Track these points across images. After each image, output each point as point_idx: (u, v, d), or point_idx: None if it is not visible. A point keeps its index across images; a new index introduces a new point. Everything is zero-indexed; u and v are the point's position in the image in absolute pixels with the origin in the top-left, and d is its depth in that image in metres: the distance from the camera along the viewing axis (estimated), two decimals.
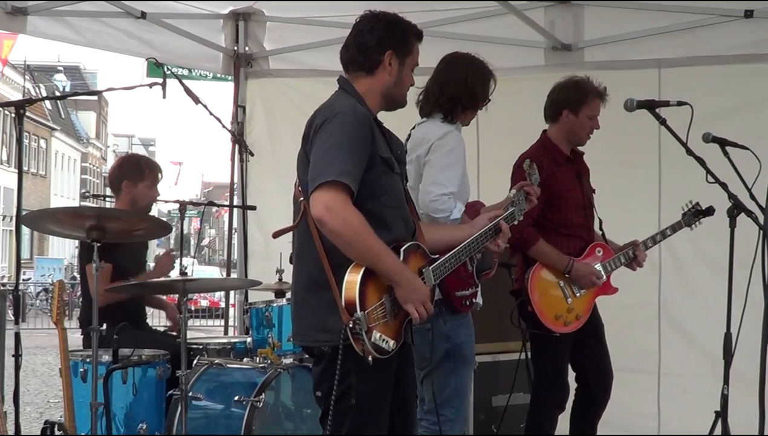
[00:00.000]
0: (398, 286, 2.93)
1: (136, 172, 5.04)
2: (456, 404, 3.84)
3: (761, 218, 3.27)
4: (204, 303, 21.72)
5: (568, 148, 4.47)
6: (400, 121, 3.41)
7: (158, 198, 5.22)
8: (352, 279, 2.85)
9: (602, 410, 4.51)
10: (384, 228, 2.96)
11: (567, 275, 4.30)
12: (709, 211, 4.51)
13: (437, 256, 3.19)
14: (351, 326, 2.81)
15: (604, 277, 4.39)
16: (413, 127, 4.01)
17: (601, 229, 4.52)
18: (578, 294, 4.33)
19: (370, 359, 2.85)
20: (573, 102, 4.38)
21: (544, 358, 4.40)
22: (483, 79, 3.98)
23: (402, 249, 3.00)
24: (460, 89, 3.93)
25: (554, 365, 4.38)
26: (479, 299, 3.94)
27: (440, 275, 3.15)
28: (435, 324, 3.74)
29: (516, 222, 3.56)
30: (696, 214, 4.58)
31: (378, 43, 3.11)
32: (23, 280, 25.34)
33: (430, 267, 3.11)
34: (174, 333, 5.12)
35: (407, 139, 3.96)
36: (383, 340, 2.89)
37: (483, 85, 3.98)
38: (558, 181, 4.32)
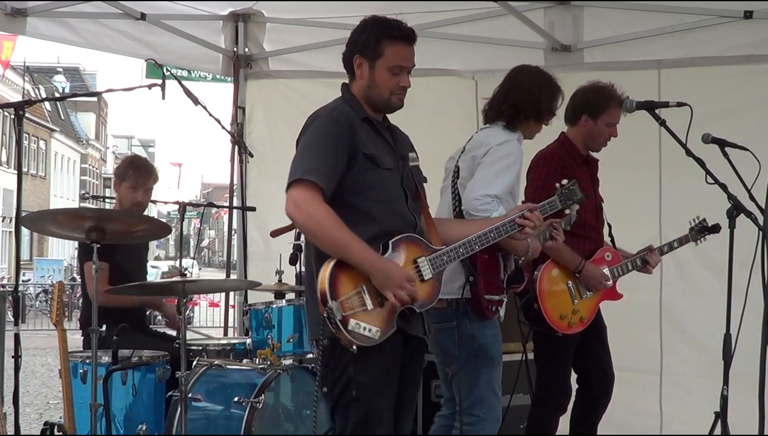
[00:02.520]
0: (370, 274, 2.99)
1: (122, 172, 5.06)
2: (488, 404, 3.83)
3: (761, 219, 3.28)
4: (203, 304, 21.69)
5: (585, 152, 4.47)
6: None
7: (156, 199, 5.22)
8: (324, 271, 2.96)
9: (603, 411, 4.51)
10: (370, 221, 3.05)
11: (577, 275, 4.29)
12: (715, 229, 4.52)
13: (442, 247, 3.20)
14: (325, 315, 2.90)
15: (611, 281, 4.39)
16: (476, 132, 4.06)
17: (610, 235, 4.52)
18: (584, 296, 4.33)
19: (354, 348, 2.92)
20: (593, 107, 4.37)
21: (548, 359, 4.39)
22: (549, 92, 4.00)
23: (390, 241, 3.06)
24: (524, 98, 3.95)
25: (557, 367, 4.37)
26: (502, 311, 3.94)
27: (439, 266, 3.16)
28: (461, 324, 3.75)
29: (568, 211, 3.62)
30: (702, 230, 4.57)
31: (349, 48, 3.24)
32: (23, 281, 25.29)
33: (427, 257, 3.13)
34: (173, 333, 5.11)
35: (468, 141, 4.01)
36: (363, 328, 2.94)
37: (549, 97, 3.99)
38: (576, 178, 4.30)
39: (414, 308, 3.07)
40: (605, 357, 4.49)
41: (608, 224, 4.52)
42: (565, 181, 3.55)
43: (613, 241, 4.52)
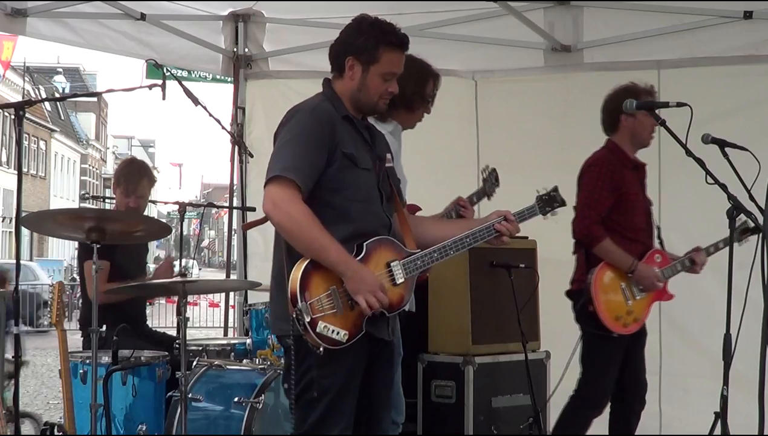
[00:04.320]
0: (344, 277, 2.97)
1: (117, 176, 5.10)
2: None
3: (761, 219, 3.27)
4: (203, 304, 21.69)
5: (633, 153, 4.50)
6: None
7: (156, 199, 5.22)
8: (296, 271, 2.95)
9: (635, 419, 4.54)
10: (347, 221, 3.05)
11: (630, 275, 4.34)
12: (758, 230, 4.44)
13: (416, 251, 3.17)
14: (294, 316, 2.90)
15: (663, 282, 4.43)
16: None
17: (659, 237, 4.54)
18: (638, 297, 4.38)
19: (320, 350, 2.92)
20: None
21: (594, 357, 4.43)
22: (416, 79, 4.02)
23: (365, 243, 3.04)
24: None
25: (602, 366, 4.41)
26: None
27: (412, 270, 3.13)
28: None
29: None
30: (744, 231, 4.42)
31: (342, 47, 3.22)
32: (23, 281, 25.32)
33: (401, 261, 3.11)
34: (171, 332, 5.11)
35: None
36: (331, 331, 2.94)
37: (416, 84, 4.02)
38: (627, 184, 4.38)
39: (384, 312, 3.06)
40: (640, 363, 4.53)
41: (657, 227, 4.54)
42: (545, 187, 3.57)
43: (662, 243, 4.54)
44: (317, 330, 2.92)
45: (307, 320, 2.90)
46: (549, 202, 3.62)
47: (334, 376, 3.02)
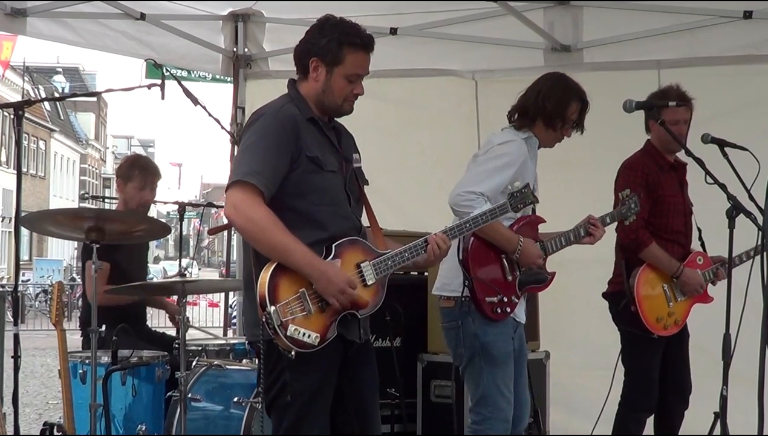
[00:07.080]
0: (312, 278, 2.95)
1: (126, 172, 5.05)
2: (492, 403, 3.81)
3: (760, 219, 3.28)
4: (203, 304, 21.68)
5: (670, 157, 4.49)
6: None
7: (156, 199, 5.22)
8: (264, 275, 2.92)
9: (678, 419, 4.53)
10: (315, 226, 3.02)
11: (675, 280, 4.36)
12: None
13: (386, 251, 3.14)
14: (264, 320, 2.88)
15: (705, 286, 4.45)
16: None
17: (700, 239, 4.54)
18: (679, 299, 4.40)
19: (292, 354, 2.90)
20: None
21: (635, 360, 4.44)
22: (559, 97, 3.91)
23: (334, 245, 3.02)
24: (530, 99, 3.94)
25: (643, 368, 4.42)
26: (519, 314, 3.90)
27: (383, 270, 3.09)
28: (464, 322, 3.77)
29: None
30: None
31: (306, 48, 3.18)
32: (22, 281, 25.29)
33: (371, 262, 3.08)
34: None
35: None
36: (302, 334, 2.92)
37: (556, 103, 3.90)
38: (662, 186, 4.38)
39: (356, 314, 3.04)
40: (685, 366, 4.53)
41: (698, 228, 4.53)
42: (517, 184, 3.55)
43: (703, 245, 4.53)
44: (288, 333, 2.89)
45: (277, 323, 2.87)
46: (521, 199, 3.59)
47: (307, 379, 2.99)
